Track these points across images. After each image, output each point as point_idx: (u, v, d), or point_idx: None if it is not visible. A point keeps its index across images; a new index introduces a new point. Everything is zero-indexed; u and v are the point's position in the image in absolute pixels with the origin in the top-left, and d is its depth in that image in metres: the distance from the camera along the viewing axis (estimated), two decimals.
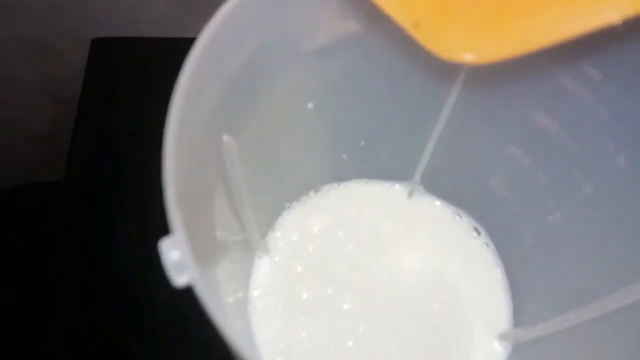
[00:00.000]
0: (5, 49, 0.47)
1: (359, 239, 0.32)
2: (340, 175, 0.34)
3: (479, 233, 0.33)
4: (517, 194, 0.30)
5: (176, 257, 0.15)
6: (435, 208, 0.33)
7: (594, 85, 0.23)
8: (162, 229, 0.16)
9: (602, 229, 0.26)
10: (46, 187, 0.46)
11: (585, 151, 0.25)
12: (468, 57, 0.20)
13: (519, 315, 0.30)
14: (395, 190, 0.34)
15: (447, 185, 0.33)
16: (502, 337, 0.29)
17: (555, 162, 0.27)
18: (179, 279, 0.15)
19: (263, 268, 0.29)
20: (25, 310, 0.37)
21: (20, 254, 0.44)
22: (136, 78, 0.43)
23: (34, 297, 0.36)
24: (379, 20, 0.24)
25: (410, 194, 0.34)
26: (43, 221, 0.43)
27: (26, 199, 0.46)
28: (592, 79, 0.23)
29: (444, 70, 0.27)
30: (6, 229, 0.43)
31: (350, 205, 0.33)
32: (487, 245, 0.32)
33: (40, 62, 0.47)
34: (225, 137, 0.23)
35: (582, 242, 0.27)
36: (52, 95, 0.50)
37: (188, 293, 0.16)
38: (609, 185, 0.25)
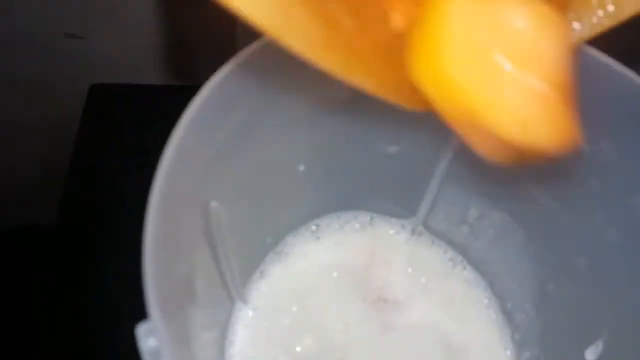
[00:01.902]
0: (5, 92, 0.47)
1: (348, 289, 0.30)
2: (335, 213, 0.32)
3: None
4: (509, 263, 0.29)
5: (153, 344, 0.15)
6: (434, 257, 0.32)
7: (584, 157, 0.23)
8: None
9: (594, 302, 0.25)
10: (38, 231, 0.46)
11: (577, 223, 0.25)
12: None
13: None
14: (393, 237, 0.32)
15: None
16: None
17: (547, 232, 0.27)
18: None
19: (242, 321, 0.28)
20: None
21: (7, 297, 0.44)
22: (133, 125, 0.43)
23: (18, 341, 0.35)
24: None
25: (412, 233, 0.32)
26: (34, 265, 0.43)
27: (17, 242, 0.46)
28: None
29: (432, 139, 0.27)
30: None
31: (342, 251, 0.31)
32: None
33: (38, 106, 0.48)
34: (214, 204, 0.23)
35: (574, 314, 0.26)
36: (49, 139, 0.50)
37: None
38: (602, 257, 0.25)
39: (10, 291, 0.48)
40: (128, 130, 0.42)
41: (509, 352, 0.29)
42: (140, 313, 0.15)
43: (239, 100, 0.21)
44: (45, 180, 0.50)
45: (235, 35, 0.39)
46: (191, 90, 0.20)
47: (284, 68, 0.22)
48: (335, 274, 0.31)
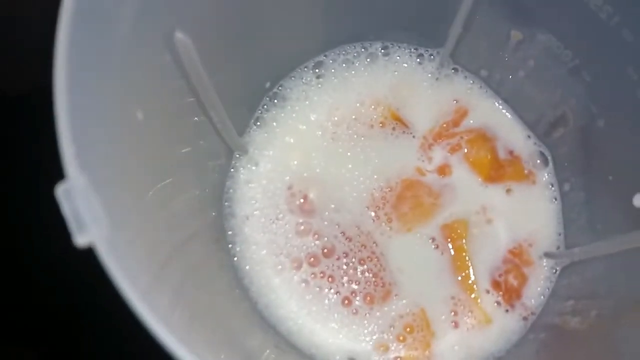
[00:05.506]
0: None
1: (354, 137, 0.26)
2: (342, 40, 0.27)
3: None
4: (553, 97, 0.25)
5: (76, 208, 0.11)
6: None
7: None
8: None
9: None
10: None
11: None
12: None
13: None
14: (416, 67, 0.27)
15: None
16: (548, 255, 0.25)
17: (602, 54, 0.21)
18: (80, 238, 0.11)
19: (241, 174, 0.25)
20: None
21: None
22: None
23: None
24: None
25: (440, 66, 0.27)
26: None
27: None
28: None
29: None
30: None
31: (348, 91, 0.26)
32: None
33: None
34: (178, 35, 0.18)
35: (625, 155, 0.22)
36: None
37: None
38: None
39: None
40: None
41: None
42: None
43: None
44: None
45: None
46: None
47: None
48: (336, 117, 0.26)
